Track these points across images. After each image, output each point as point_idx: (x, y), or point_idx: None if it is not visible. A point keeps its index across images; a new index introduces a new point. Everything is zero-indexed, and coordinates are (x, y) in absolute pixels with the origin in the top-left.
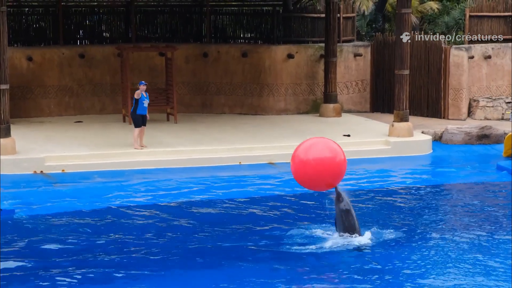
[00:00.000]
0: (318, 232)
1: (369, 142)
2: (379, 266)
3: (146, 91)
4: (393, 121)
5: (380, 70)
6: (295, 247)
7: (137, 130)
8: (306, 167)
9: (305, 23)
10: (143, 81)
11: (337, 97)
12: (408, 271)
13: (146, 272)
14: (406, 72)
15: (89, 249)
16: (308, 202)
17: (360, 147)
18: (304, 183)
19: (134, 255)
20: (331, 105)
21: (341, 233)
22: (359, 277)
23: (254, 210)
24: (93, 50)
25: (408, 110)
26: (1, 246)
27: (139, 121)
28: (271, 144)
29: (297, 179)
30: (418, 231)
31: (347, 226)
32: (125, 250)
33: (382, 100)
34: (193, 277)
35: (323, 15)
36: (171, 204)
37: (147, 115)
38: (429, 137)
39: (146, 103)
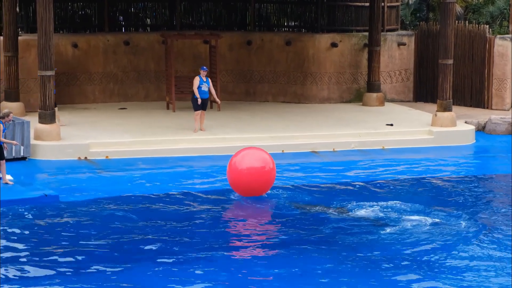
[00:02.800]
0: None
1: (412, 131)
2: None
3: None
4: (436, 111)
5: (423, 59)
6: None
7: (196, 113)
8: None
9: (349, 11)
10: (204, 67)
11: (380, 86)
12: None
13: (196, 255)
14: (450, 61)
15: (131, 234)
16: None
17: (403, 137)
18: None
19: (177, 239)
20: (374, 94)
21: None
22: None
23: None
24: (137, 37)
25: (451, 100)
26: (46, 232)
27: (198, 105)
28: (314, 132)
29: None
30: (467, 222)
31: None
32: (167, 235)
33: (425, 89)
34: (235, 262)
35: (367, 4)
36: (211, 193)
37: (215, 99)
38: (472, 127)
39: (204, 87)
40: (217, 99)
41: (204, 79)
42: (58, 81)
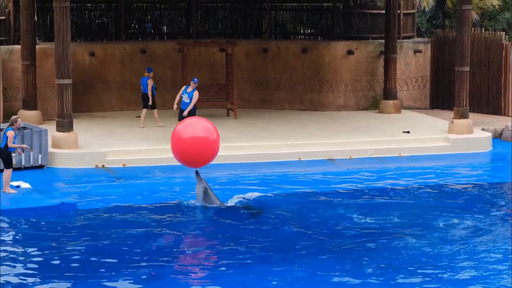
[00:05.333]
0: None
1: (428, 139)
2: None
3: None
4: (453, 118)
5: (440, 66)
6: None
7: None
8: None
9: (365, 19)
10: (195, 79)
11: (397, 94)
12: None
13: (213, 262)
14: (466, 68)
15: (148, 241)
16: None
17: (419, 144)
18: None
19: (194, 247)
20: (391, 102)
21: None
22: None
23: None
24: (154, 46)
25: (468, 107)
26: (64, 240)
27: (180, 116)
28: (330, 140)
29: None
30: (485, 229)
31: (207, 201)
32: (183, 243)
33: (442, 96)
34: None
35: (383, 11)
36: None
37: (185, 111)
38: (489, 134)
39: (185, 98)
40: (185, 112)
41: (189, 89)
42: (75, 89)
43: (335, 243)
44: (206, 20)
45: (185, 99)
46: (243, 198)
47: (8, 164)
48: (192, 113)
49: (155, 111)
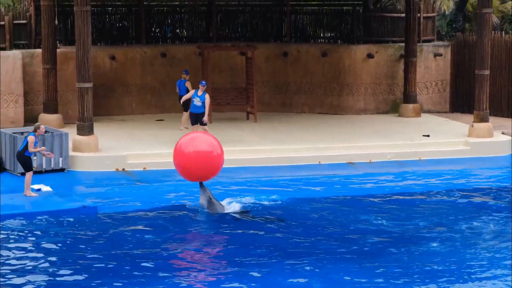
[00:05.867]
0: None
1: (448, 142)
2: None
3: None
4: (473, 122)
5: (460, 70)
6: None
7: (191, 127)
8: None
9: (385, 22)
10: (203, 81)
11: (417, 97)
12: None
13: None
14: (487, 72)
15: (168, 245)
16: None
17: (439, 148)
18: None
19: (214, 250)
20: (411, 105)
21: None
22: None
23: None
24: (174, 49)
25: (488, 111)
26: (84, 243)
27: (192, 120)
28: (350, 143)
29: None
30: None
31: (212, 209)
32: (202, 249)
33: (462, 100)
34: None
35: (403, 15)
36: (250, 202)
37: (205, 116)
38: (509, 138)
39: (197, 101)
40: (206, 118)
41: (199, 93)
42: (96, 93)
43: (354, 247)
44: (226, 24)
45: (197, 102)
46: (240, 202)
47: (27, 167)
48: (202, 116)
49: (185, 113)
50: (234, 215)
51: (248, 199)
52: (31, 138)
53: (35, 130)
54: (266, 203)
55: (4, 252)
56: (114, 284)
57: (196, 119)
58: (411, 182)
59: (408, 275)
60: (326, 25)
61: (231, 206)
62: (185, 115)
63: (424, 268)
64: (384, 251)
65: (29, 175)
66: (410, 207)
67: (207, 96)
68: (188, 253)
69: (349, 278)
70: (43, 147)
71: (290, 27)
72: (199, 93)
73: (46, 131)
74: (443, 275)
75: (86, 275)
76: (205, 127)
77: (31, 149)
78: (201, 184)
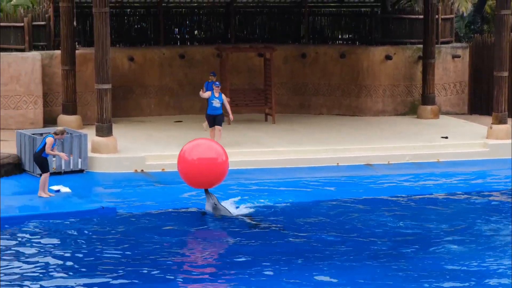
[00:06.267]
0: None
1: (467, 144)
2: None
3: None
4: (491, 123)
5: (478, 71)
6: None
7: (209, 130)
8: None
9: (403, 24)
10: (217, 82)
11: (435, 99)
12: None
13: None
14: (505, 74)
15: (187, 247)
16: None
17: (458, 150)
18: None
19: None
20: (429, 107)
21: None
22: None
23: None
24: (193, 51)
25: (506, 112)
26: (102, 244)
27: (210, 121)
28: (369, 145)
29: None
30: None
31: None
32: (218, 251)
33: (480, 102)
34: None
35: (422, 16)
36: (268, 204)
37: (230, 115)
38: None
39: (216, 102)
40: (231, 115)
41: (216, 94)
42: (115, 94)
43: (372, 250)
44: (245, 25)
45: (216, 103)
46: (250, 205)
47: (43, 169)
48: (222, 117)
49: None
50: (243, 218)
51: (260, 202)
52: (49, 140)
53: (56, 134)
54: (281, 205)
55: (23, 253)
56: (132, 285)
57: (214, 121)
58: (429, 184)
59: (426, 277)
60: (344, 26)
61: (239, 209)
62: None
63: (443, 270)
64: (403, 252)
65: (44, 176)
66: (428, 209)
67: (224, 96)
68: (205, 255)
69: (362, 281)
70: (62, 153)
71: (308, 29)
72: (216, 94)
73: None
74: (462, 277)
75: (104, 276)
76: (220, 127)
77: (48, 150)
78: (206, 190)
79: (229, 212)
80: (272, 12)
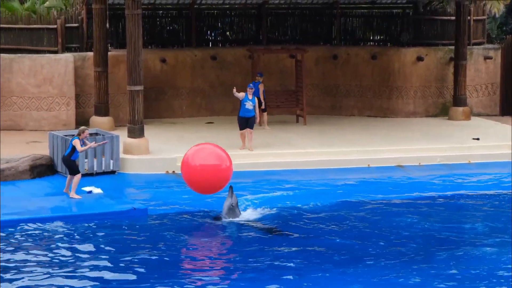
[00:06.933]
0: None
1: (498, 145)
2: None
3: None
4: None
5: (510, 73)
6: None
7: (240, 132)
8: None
9: (435, 25)
10: (251, 84)
11: (467, 100)
12: None
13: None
14: None
15: (218, 248)
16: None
17: (489, 151)
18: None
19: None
20: (461, 108)
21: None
22: None
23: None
24: (224, 52)
25: None
26: (134, 245)
27: (242, 124)
28: (400, 146)
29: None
30: None
31: (230, 215)
32: (264, 249)
33: None
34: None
35: (453, 18)
36: (297, 206)
37: (257, 118)
38: None
39: (248, 105)
40: (257, 118)
41: (250, 96)
42: (146, 95)
43: (404, 251)
44: (276, 27)
45: (249, 106)
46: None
47: (73, 171)
48: (254, 120)
49: (265, 114)
50: (254, 224)
51: (286, 203)
52: (76, 142)
53: (79, 134)
54: (309, 206)
55: (55, 254)
56: (164, 285)
57: (246, 123)
58: (460, 185)
59: (456, 280)
60: (375, 27)
61: (251, 213)
62: (265, 115)
63: (475, 272)
64: (433, 254)
65: (77, 177)
66: (459, 210)
67: (256, 99)
68: (236, 258)
69: (395, 284)
70: (89, 144)
71: (340, 30)
72: (250, 96)
73: (97, 134)
74: (494, 280)
75: (136, 277)
76: (252, 130)
77: (80, 149)
78: (231, 188)
79: (238, 217)
80: (304, 13)
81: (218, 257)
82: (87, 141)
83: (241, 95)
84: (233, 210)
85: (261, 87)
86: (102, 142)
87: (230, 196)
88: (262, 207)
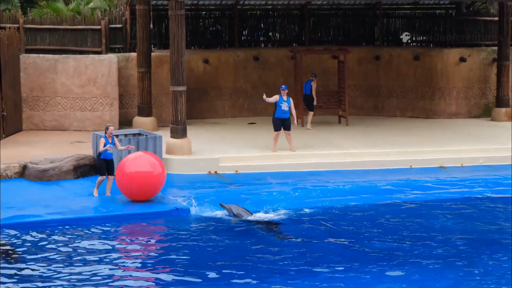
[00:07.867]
0: None
1: None
2: None
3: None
4: None
5: None
6: None
7: (275, 133)
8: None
9: (478, 26)
10: (284, 86)
11: (510, 101)
12: None
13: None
14: None
15: (264, 249)
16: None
17: None
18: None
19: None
20: (503, 109)
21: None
22: None
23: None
24: (267, 53)
25: None
26: (175, 244)
27: (278, 125)
28: (442, 148)
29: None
30: None
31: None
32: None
33: None
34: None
35: (496, 18)
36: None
37: (294, 119)
38: None
39: (284, 106)
40: (295, 120)
41: (285, 98)
42: (189, 96)
43: (446, 252)
44: (319, 28)
45: (284, 107)
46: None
47: (100, 171)
48: (290, 121)
49: (311, 113)
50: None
51: (325, 203)
52: (101, 140)
53: (105, 133)
54: (351, 205)
55: (100, 252)
56: (205, 286)
57: (282, 124)
58: (503, 187)
59: (496, 283)
60: (418, 28)
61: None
62: (310, 115)
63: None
64: (477, 256)
65: (99, 179)
66: (504, 212)
67: (291, 100)
68: (276, 258)
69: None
70: (107, 146)
71: (382, 31)
72: (284, 98)
73: (140, 134)
74: None
75: (177, 277)
76: (290, 131)
77: (101, 148)
78: (221, 205)
79: (248, 214)
80: (346, 14)
81: (256, 258)
82: (116, 140)
83: (273, 99)
84: (239, 212)
85: (313, 85)
86: (133, 147)
87: (227, 209)
88: (304, 208)
